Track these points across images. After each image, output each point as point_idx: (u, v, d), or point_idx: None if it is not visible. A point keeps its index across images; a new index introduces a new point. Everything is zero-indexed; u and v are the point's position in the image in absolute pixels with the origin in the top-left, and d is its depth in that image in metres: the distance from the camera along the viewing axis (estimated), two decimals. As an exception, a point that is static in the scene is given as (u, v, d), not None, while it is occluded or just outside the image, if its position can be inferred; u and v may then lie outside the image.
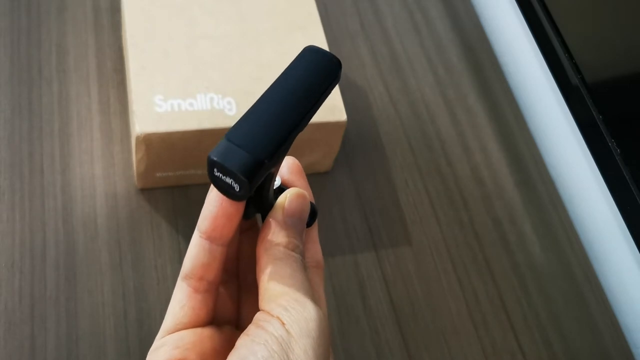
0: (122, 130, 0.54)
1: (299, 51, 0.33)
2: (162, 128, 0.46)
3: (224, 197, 0.29)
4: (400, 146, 0.60)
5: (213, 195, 0.29)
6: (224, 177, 0.28)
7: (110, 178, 0.52)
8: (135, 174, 0.51)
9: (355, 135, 0.60)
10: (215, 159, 0.27)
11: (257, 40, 0.52)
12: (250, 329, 0.29)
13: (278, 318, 0.29)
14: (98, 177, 0.51)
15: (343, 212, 0.55)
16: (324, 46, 0.53)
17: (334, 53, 0.62)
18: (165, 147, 0.47)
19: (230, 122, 0.48)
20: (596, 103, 0.49)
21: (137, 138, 0.46)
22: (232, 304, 0.34)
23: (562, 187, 0.64)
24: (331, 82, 0.31)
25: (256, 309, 0.32)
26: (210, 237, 0.30)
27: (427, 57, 0.67)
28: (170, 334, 0.31)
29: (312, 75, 0.31)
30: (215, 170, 0.28)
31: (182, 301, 0.31)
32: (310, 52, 0.32)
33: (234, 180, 0.27)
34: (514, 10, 0.69)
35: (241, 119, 0.29)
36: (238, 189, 0.28)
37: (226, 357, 0.31)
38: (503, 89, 0.68)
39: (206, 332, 0.31)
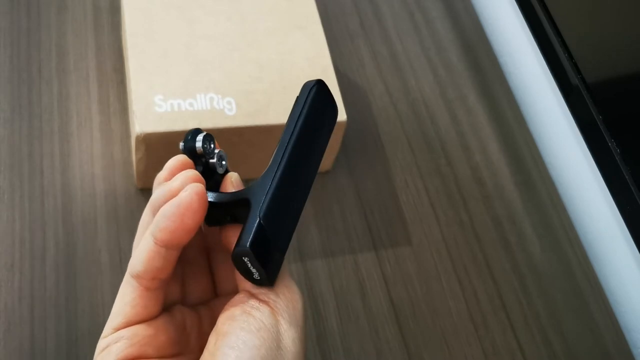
0: (122, 130, 0.54)
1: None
2: (162, 128, 0.46)
3: (185, 214, 0.28)
4: (400, 146, 0.60)
5: (173, 209, 0.28)
6: (248, 264, 0.28)
7: (110, 178, 0.52)
8: (135, 174, 0.51)
9: (355, 135, 0.60)
10: (251, 251, 0.28)
11: (257, 40, 0.52)
12: (237, 313, 0.28)
13: (267, 304, 0.29)
14: (98, 177, 0.51)
15: (343, 212, 0.55)
16: (324, 46, 0.53)
17: (334, 53, 0.62)
18: (165, 147, 0.47)
19: (230, 122, 0.48)
20: (596, 103, 0.49)
21: (137, 138, 0.46)
22: (176, 283, 0.33)
23: (562, 187, 0.64)
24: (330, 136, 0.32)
25: (201, 283, 0.33)
26: (166, 246, 0.29)
27: (427, 57, 0.67)
28: (120, 330, 0.30)
29: (323, 135, 0.32)
30: (243, 257, 0.28)
31: (134, 300, 0.30)
32: (319, 96, 0.31)
33: (258, 272, 0.29)
34: (514, 11, 0.69)
35: (274, 192, 0.29)
36: (258, 279, 0.29)
37: (182, 344, 0.30)
38: (503, 89, 0.68)
39: (160, 324, 0.30)
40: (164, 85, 0.48)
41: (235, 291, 0.33)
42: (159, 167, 0.50)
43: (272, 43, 0.52)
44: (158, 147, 0.47)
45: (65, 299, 0.46)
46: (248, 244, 0.28)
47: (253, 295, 0.29)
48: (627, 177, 0.47)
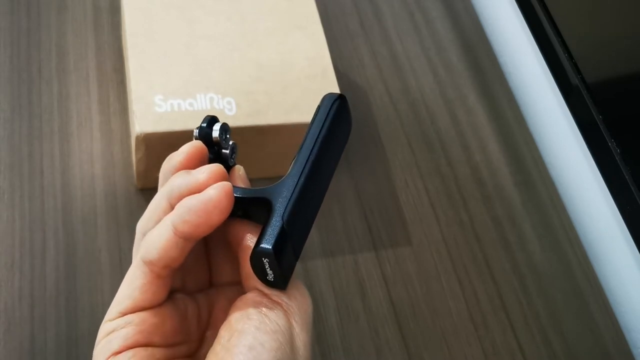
0: (122, 130, 0.54)
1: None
2: (162, 128, 0.46)
3: (213, 211, 0.28)
4: (400, 146, 0.60)
5: (201, 205, 0.28)
6: (266, 265, 0.29)
7: (110, 178, 0.52)
8: (135, 174, 0.51)
9: (355, 135, 0.60)
10: (273, 253, 0.28)
11: (257, 40, 0.52)
12: (251, 312, 0.28)
13: (280, 305, 0.29)
14: (98, 177, 0.51)
15: (343, 212, 0.55)
16: (324, 46, 0.53)
17: (334, 53, 0.62)
18: (165, 147, 0.47)
19: (230, 122, 0.48)
20: (596, 103, 0.49)
21: (137, 138, 0.46)
22: (179, 271, 0.32)
23: (562, 187, 0.64)
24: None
25: (199, 272, 0.33)
26: (185, 238, 0.29)
27: (427, 57, 0.67)
28: (127, 315, 0.30)
29: (339, 148, 0.33)
30: (264, 258, 0.28)
31: (144, 286, 0.30)
32: (341, 110, 0.32)
33: (274, 273, 0.29)
34: (514, 11, 0.69)
35: (297, 199, 0.29)
36: (272, 280, 0.29)
37: (183, 333, 0.30)
38: (503, 89, 0.68)
39: (166, 311, 0.30)
40: (164, 85, 0.48)
41: (230, 282, 0.33)
42: (159, 167, 0.50)
43: (272, 43, 0.52)
44: (158, 147, 0.47)
45: (65, 299, 0.46)
46: (272, 245, 0.28)
47: (266, 296, 0.29)
48: (627, 177, 0.47)
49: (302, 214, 0.30)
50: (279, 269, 0.28)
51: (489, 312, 0.54)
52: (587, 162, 0.61)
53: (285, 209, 0.29)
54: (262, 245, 0.28)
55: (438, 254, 0.55)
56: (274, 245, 0.28)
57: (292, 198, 0.29)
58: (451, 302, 0.53)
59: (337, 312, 0.51)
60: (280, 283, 0.29)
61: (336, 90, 0.51)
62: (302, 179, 0.30)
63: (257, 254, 0.28)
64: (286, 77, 0.50)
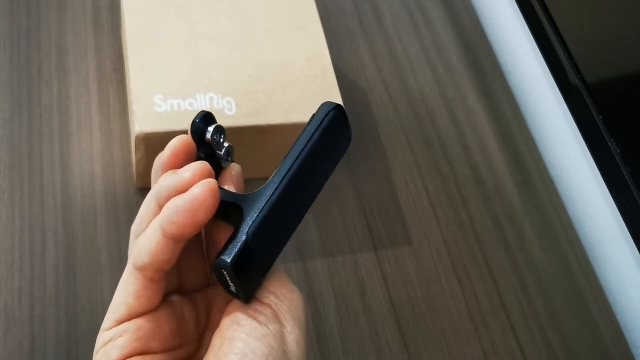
0: (122, 130, 0.54)
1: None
2: (162, 128, 0.46)
3: (199, 210, 0.28)
4: (400, 146, 0.60)
5: (187, 205, 0.28)
6: (227, 277, 0.28)
7: (110, 178, 0.52)
8: (135, 174, 0.51)
9: (355, 135, 0.59)
10: (231, 268, 0.27)
11: (257, 40, 0.52)
12: (241, 318, 0.28)
13: (269, 306, 0.28)
14: (98, 177, 0.51)
15: (343, 212, 0.55)
16: (324, 46, 0.53)
17: (334, 53, 0.62)
18: (165, 147, 0.47)
19: (230, 122, 0.48)
20: (596, 103, 0.49)
21: (137, 138, 0.46)
22: (174, 272, 0.32)
23: (562, 187, 0.64)
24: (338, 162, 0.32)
25: (197, 271, 0.32)
26: (175, 239, 0.28)
27: (427, 57, 0.67)
28: (123, 323, 0.30)
29: (330, 162, 0.31)
30: (223, 270, 0.28)
31: (138, 292, 0.29)
32: (335, 122, 0.30)
33: (235, 286, 0.28)
34: (514, 11, 0.69)
35: (267, 214, 0.28)
36: (234, 292, 0.28)
37: (181, 335, 0.30)
38: (503, 89, 0.68)
39: (162, 315, 0.30)
40: (164, 85, 0.48)
41: None
42: (159, 167, 0.50)
43: (272, 43, 0.52)
44: (158, 147, 0.47)
45: (65, 299, 0.46)
46: (230, 260, 0.27)
47: (255, 299, 0.29)
48: (627, 177, 0.47)
49: (273, 230, 0.29)
50: (239, 283, 0.28)
51: (489, 312, 0.54)
52: (587, 162, 0.61)
53: (252, 224, 0.28)
54: (221, 257, 0.27)
55: (438, 254, 0.55)
56: (234, 260, 0.27)
57: (261, 212, 0.28)
58: (451, 302, 0.53)
59: (337, 312, 0.51)
60: (243, 296, 0.28)
61: (336, 90, 0.51)
62: (277, 193, 0.29)
63: (216, 266, 0.28)
64: (286, 77, 0.50)
